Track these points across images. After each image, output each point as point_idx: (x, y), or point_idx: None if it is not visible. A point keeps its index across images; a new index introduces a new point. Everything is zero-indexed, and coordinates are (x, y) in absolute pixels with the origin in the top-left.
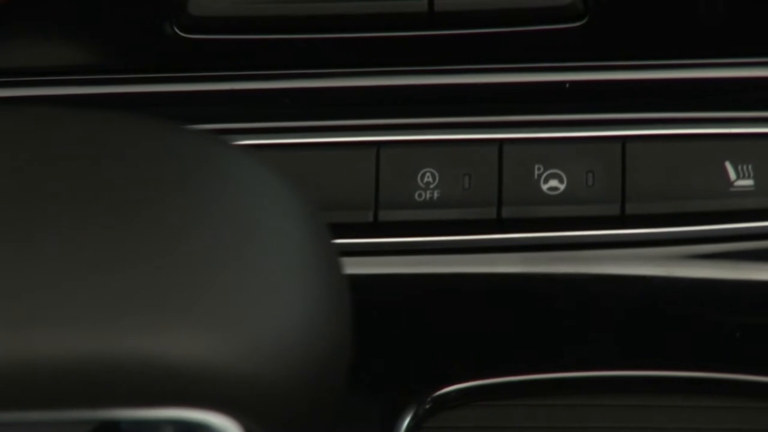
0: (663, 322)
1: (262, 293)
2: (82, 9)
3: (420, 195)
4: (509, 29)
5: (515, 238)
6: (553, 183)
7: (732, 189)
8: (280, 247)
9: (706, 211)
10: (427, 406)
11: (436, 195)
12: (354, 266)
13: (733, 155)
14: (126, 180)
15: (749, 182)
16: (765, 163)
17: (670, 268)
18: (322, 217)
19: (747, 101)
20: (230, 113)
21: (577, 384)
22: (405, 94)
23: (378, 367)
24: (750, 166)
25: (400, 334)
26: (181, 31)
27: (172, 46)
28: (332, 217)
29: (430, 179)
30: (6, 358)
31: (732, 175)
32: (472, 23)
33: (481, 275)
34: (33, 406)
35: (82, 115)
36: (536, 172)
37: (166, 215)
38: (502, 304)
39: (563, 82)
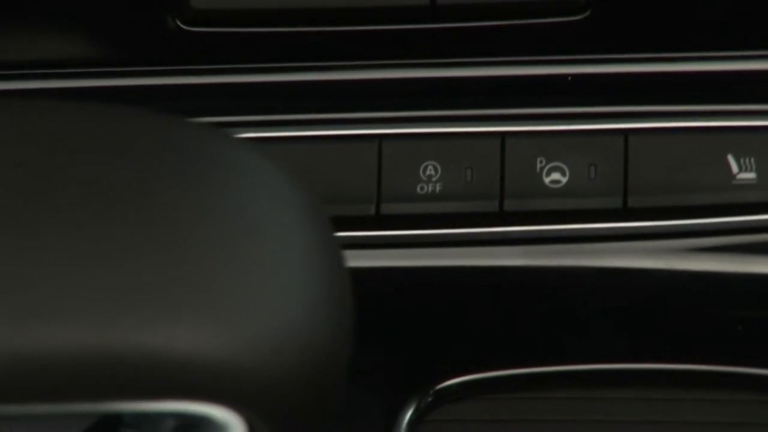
0: (665, 315)
1: (265, 286)
2: (84, 2)
3: (422, 188)
4: (511, 22)
5: (517, 231)
6: (556, 176)
7: (734, 182)
8: (282, 240)
9: (708, 204)
10: (429, 399)
11: (438, 188)
12: (356, 259)
13: (735, 148)
14: (128, 173)
15: (751, 175)
16: (767, 156)
17: (672, 261)
18: (324, 210)
19: (749, 94)
20: (232, 106)
21: (578, 377)
22: (407, 87)
23: (380, 360)
24: (752, 159)
25: (402, 327)
26: (183, 25)
27: (175, 39)
28: (334, 209)
29: (433, 172)
30: (8, 352)
31: (734, 168)
32: (473, 16)
33: (483, 268)
34: (35, 400)
35: (83, 108)
36: (538, 165)
37: (168, 209)
38: (504, 297)
39: (565, 75)
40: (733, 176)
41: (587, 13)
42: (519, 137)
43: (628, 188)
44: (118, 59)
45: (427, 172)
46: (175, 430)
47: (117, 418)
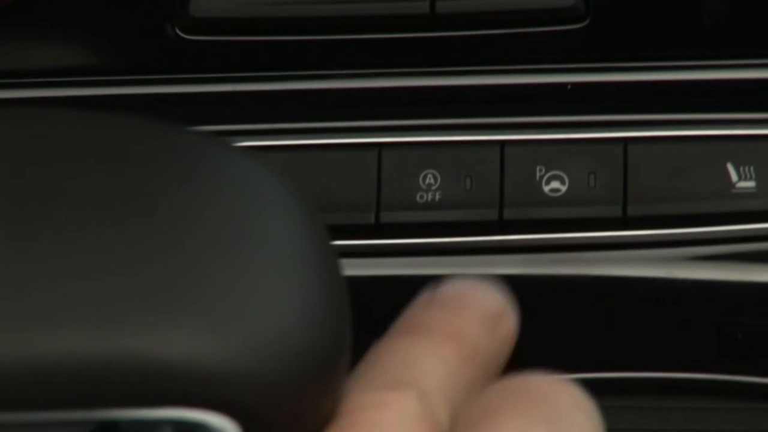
0: (664, 324)
1: (261, 293)
2: (83, 10)
3: (422, 196)
4: (511, 31)
5: (517, 239)
6: (555, 184)
7: (734, 191)
8: (280, 248)
9: (707, 212)
10: None
11: (437, 196)
12: (355, 268)
13: (734, 157)
14: (124, 181)
15: (751, 184)
16: (767, 164)
17: (671, 270)
18: (322, 218)
19: (749, 103)
20: (231, 115)
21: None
22: (406, 96)
23: None
24: (752, 168)
25: None
26: (182, 33)
27: (174, 47)
28: (333, 218)
29: (432, 181)
30: (3, 359)
31: (734, 176)
32: (473, 25)
33: (483, 276)
34: (28, 408)
35: (81, 116)
36: (538, 174)
37: (164, 216)
38: None
39: (565, 84)
40: (733, 185)
41: (587, 22)
42: (518, 146)
43: (627, 197)
44: (117, 67)
45: (427, 181)
46: None
47: (113, 426)
